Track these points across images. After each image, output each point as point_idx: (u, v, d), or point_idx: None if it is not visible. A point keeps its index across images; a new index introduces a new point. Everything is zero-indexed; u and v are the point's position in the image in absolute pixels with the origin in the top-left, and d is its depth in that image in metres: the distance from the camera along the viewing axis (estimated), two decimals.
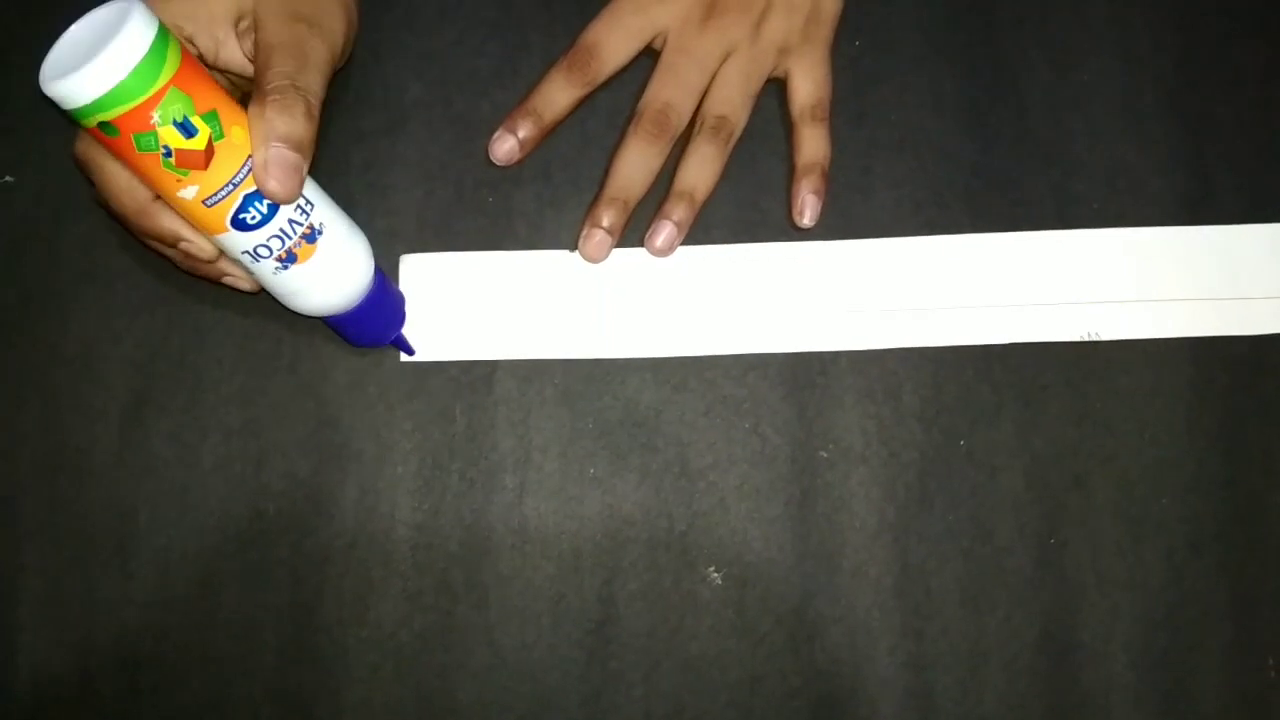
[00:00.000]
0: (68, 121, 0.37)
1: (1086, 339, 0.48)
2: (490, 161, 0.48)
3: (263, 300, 0.47)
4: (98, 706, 0.45)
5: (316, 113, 0.40)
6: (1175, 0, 0.51)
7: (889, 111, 0.49)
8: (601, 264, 0.47)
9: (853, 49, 0.50)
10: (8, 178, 0.48)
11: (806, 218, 0.47)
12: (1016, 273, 0.48)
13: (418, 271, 0.47)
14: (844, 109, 0.49)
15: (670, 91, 0.47)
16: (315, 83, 0.40)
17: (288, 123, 0.38)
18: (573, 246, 0.48)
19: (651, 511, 0.46)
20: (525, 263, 0.48)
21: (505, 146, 0.47)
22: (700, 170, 0.47)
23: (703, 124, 0.47)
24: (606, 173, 0.47)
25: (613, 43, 0.47)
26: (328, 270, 0.42)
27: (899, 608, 0.46)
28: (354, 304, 0.43)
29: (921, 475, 0.47)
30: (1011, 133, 0.49)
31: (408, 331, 0.46)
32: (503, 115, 0.47)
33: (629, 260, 0.48)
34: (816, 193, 0.47)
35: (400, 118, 0.48)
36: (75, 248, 0.48)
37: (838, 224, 0.48)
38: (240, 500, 0.46)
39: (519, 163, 0.48)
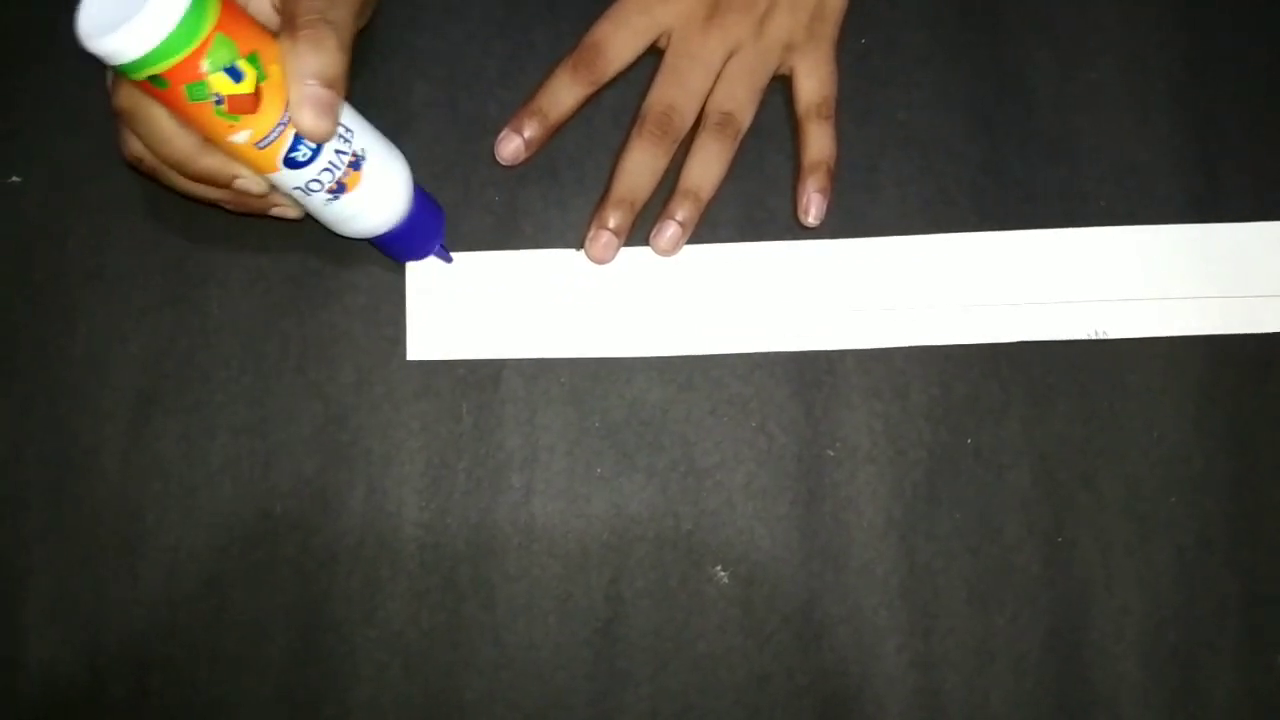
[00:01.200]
0: (108, 74, 0.37)
1: (1094, 337, 0.48)
2: (496, 161, 0.48)
3: (269, 299, 0.47)
4: (106, 706, 0.45)
5: (348, 45, 0.39)
6: None
7: (895, 109, 0.49)
8: (608, 264, 0.47)
9: (859, 46, 0.50)
10: (15, 178, 0.48)
11: (812, 216, 0.47)
12: (1024, 271, 0.48)
13: (424, 271, 0.47)
14: (850, 107, 0.49)
15: (674, 93, 0.46)
16: (345, 15, 0.39)
17: (320, 58, 0.38)
18: (579, 245, 0.48)
19: (658, 510, 0.46)
20: (532, 262, 0.48)
21: (511, 146, 0.47)
22: (705, 169, 0.47)
23: (708, 121, 0.47)
24: (612, 174, 0.47)
25: (618, 42, 0.47)
26: (375, 193, 0.42)
27: (906, 606, 0.46)
28: (400, 221, 0.44)
29: (929, 474, 0.47)
30: (1019, 130, 0.49)
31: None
32: (509, 115, 0.47)
33: (635, 259, 0.48)
34: (822, 191, 0.47)
35: (406, 117, 0.48)
36: (83, 248, 0.48)
37: (844, 222, 0.48)
38: (248, 500, 0.46)
39: (525, 162, 0.48)
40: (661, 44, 0.48)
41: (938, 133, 0.49)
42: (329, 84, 0.38)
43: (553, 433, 0.47)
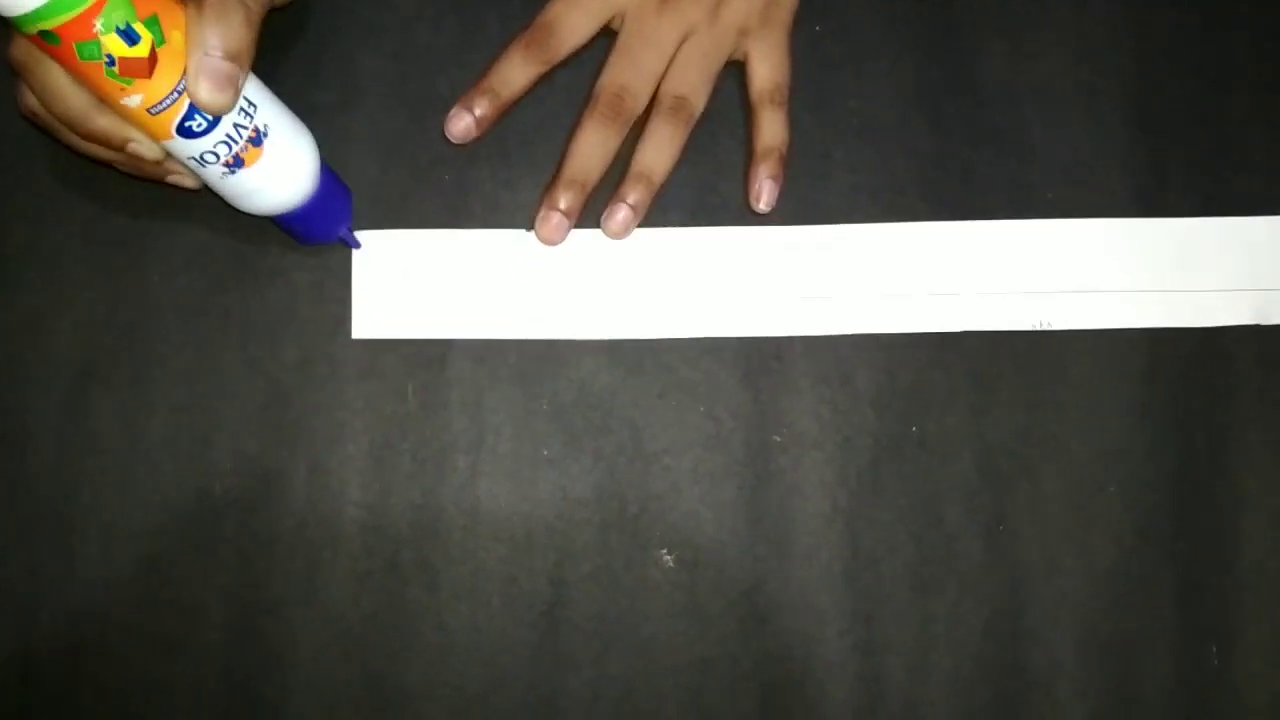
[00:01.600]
0: (3, 27, 0.36)
1: (1039, 328, 0.48)
2: (446, 139, 0.47)
3: (211, 274, 0.46)
4: (39, 686, 0.44)
5: (256, 20, 0.39)
6: None
7: (848, 97, 0.49)
8: (557, 246, 0.47)
9: (813, 34, 0.50)
10: None
11: (763, 202, 0.47)
12: (971, 261, 0.48)
13: (372, 249, 0.47)
14: (803, 94, 0.49)
15: (627, 74, 0.46)
16: None
17: (223, 30, 0.37)
18: (529, 226, 0.47)
19: (604, 494, 0.46)
20: (481, 242, 0.47)
21: (461, 124, 0.46)
22: (658, 152, 0.47)
23: (661, 105, 0.47)
24: (563, 155, 0.47)
25: (571, 21, 0.46)
26: (275, 171, 0.41)
27: (849, 592, 0.46)
28: (302, 202, 0.43)
29: (873, 461, 0.47)
30: (969, 121, 0.50)
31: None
32: (460, 92, 0.47)
33: (585, 241, 0.47)
34: (774, 178, 0.47)
35: (355, 92, 0.48)
36: (21, 218, 0.47)
37: (795, 209, 0.48)
38: (187, 478, 0.45)
39: (475, 141, 0.47)
40: (615, 25, 0.48)
41: (890, 121, 0.49)
42: (231, 56, 0.37)
43: (499, 414, 0.46)
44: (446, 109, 0.47)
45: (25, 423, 0.45)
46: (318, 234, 0.45)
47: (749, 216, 0.48)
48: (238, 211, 0.43)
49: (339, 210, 0.45)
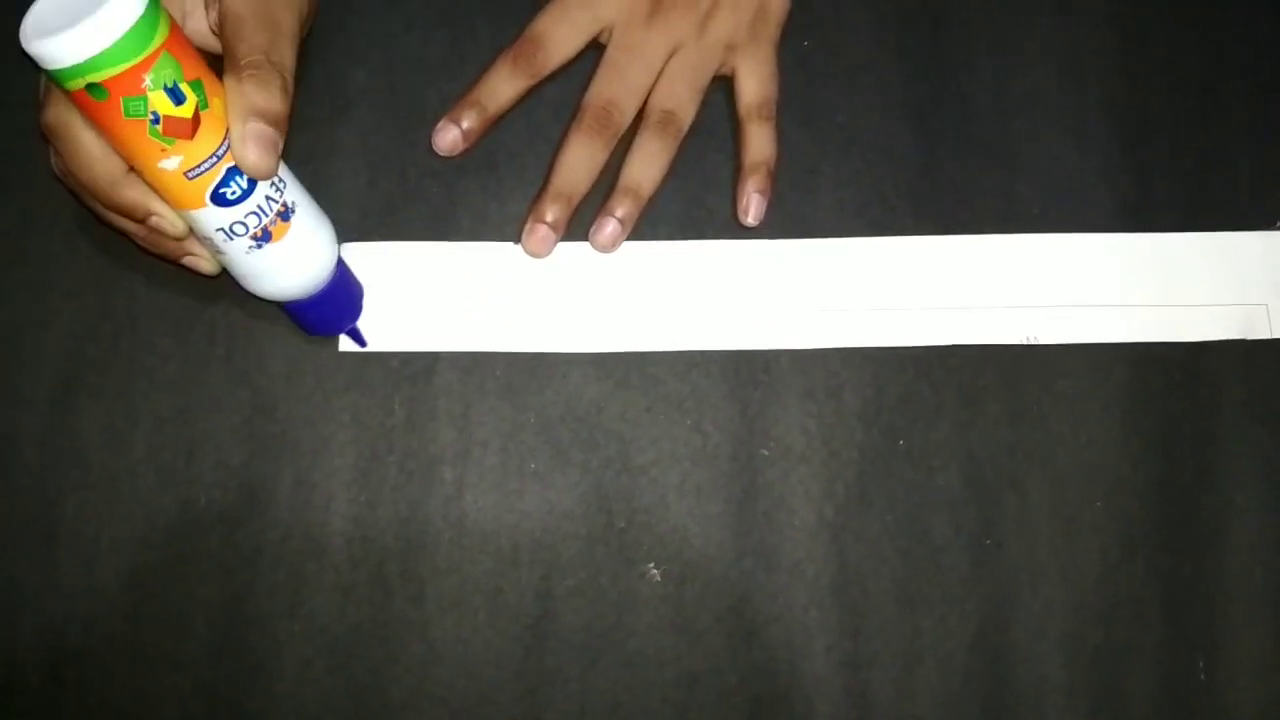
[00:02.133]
0: (41, 86, 0.36)
1: (1026, 342, 0.48)
2: (435, 151, 0.47)
3: (198, 285, 0.46)
4: (21, 698, 0.44)
5: (291, 87, 0.39)
6: (1120, 8, 0.52)
7: (836, 112, 0.50)
8: (545, 259, 0.47)
9: (801, 48, 0.50)
10: None
11: (751, 216, 0.47)
12: (958, 275, 0.48)
13: (360, 261, 0.47)
14: (791, 108, 0.49)
15: (614, 88, 0.46)
16: (288, 56, 0.40)
17: (266, 98, 0.38)
18: (517, 239, 0.47)
19: (591, 507, 0.46)
20: (469, 254, 0.47)
21: (449, 137, 0.47)
22: (646, 166, 0.47)
23: (649, 119, 0.47)
24: (550, 168, 0.47)
25: (559, 35, 0.47)
26: (299, 250, 0.41)
27: (836, 606, 0.46)
28: (319, 288, 0.43)
29: (860, 475, 0.47)
30: (957, 136, 0.50)
31: (363, 324, 0.46)
32: (449, 104, 0.47)
33: (573, 254, 0.47)
34: (762, 192, 0.47)
35: (344, 105, 0.48)
36: (6, 228, 0.46)
37: (783, 223, 0.48)
38: (171, 490, 0.45)
39: (463, 154, 0.47)
40: (603, 39, 0.48)
41: (878, 136, 0.50)
42: (273, 123, 0.38)
43: (486, 427, 0.46)
44: (435, 122, 0.47)
45: (8, 433, 0.45)
46: (330, 323, 0.45)
47: (737, 230, 0.48)
48: None
49: (352, 303, 0.45)
